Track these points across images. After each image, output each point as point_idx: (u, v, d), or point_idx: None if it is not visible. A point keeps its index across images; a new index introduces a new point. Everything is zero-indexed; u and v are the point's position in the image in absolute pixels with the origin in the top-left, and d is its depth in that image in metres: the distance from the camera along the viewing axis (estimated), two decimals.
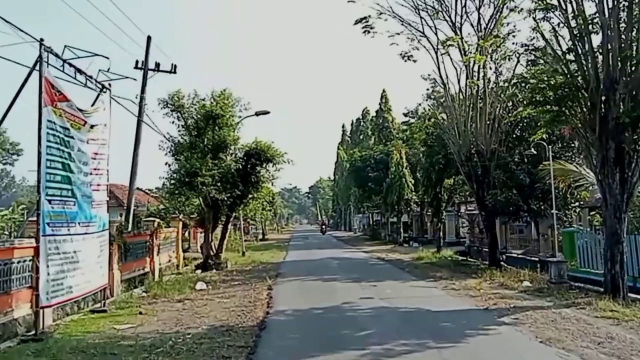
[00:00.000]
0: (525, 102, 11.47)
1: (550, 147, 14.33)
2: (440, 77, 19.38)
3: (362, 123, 55.96)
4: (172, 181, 17.13)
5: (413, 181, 33.49)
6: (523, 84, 11.23)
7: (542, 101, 11.32)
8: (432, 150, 22.90)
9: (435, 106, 45.23)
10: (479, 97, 18.65)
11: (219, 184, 17.47)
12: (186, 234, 28.09)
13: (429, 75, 43.80)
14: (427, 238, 33.36)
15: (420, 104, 44.65)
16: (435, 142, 22.65)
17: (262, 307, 10.85)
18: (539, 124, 13.17)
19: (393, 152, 33.97)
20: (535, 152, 15.45)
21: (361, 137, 52.77)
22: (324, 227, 62.82)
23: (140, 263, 16.58)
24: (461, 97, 19.46)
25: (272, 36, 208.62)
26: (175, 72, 19.75)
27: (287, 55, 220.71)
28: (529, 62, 10.94)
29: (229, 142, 18.25)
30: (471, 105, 18.95)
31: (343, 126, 79.19)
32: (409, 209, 33.80)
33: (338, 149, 76.88)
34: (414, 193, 33.47)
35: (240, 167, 18.70)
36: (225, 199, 17.63)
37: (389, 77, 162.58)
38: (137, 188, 36.80)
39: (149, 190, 36.85)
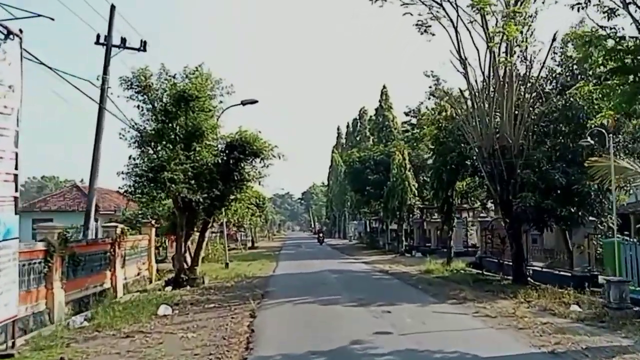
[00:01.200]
0: (592, 71, 8.49)
1: (610, 136, 11.35)
2: (460, 58, 16.51)
3: (359, 124, 52.94)
4: (133, 177, 13.93)
5: (416, 185, 30.62)
6: (594, 45, 8.24)
7: (618, 69, 8.36)
8: (445, 148, 19.95)
9: (438, 104, 42.82)
10: (505, 83, 15.79)
11: (192, 182, 14.33)
12: (165, 242, 25.02)
13: (432, 72, 41.00)
14: (430, 247, 30.32)
15: (422, 102, 42.12)
16: (449, 138, 19.72)
17: (238, 349, 7.72)
18: (597, 106, 10.28)
19: (395, 153, 31.08)
20: (592, 142, 12.51)
21: (358, 138, 49.73)
22: (321, 235, 49.62)
23: (98, 278, 13.63)
24: (482, 84, 16.63)
25: (272, 36, 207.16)
26: (145, 50, 16.88)
27: (284, 58, 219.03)
28: (607, 12, 8.03)
29: (205, 131, 15.09)
30: (495, 92, 16.09)
31: (338, 128, 76.33)
32: (411, 215, 30.88)
33: (333, 152, 73.91)
34: (417, 198, 30.56)
35: (220, 161, 15.58)
36: (201, 200, 14.48)
37: (388, 78, 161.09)
38: (117, 190, 33.75)
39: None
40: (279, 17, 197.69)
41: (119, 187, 15.32)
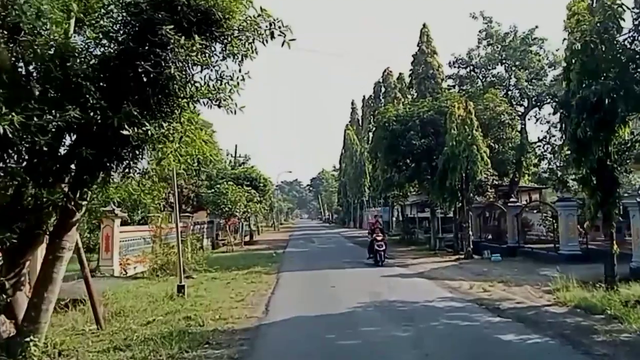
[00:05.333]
0: None
1: None
2: None
3: (383, 87, 42.35)
4: None
5: (488, 151, 20.40)
6: None
7: None
8: (614, 60, 9.72)
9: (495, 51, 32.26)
10: None
11: None
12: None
13: (481, 12, 30.72)
14: (507, 244, 20.27)
15: (473, 50, 31.80)
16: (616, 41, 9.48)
17: None
18: None
19: (452, 106, 20.76)
20: None
21: (383, 104, 39.18)
22: (378, 238, 18.38)
23: None
24: None
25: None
26: None
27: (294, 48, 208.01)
28: None
29: None
30: None
31: (352, 103, 65.72)
32: (478, 197, 20.74)
33: (346, 130, 63.39)
34: (490, 170, 20.36)
35: (109, 40, 5.56)
36: (27, 137, 4.47)
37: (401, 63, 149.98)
38: None
39: None
40: (280, 10, 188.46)
41: None
